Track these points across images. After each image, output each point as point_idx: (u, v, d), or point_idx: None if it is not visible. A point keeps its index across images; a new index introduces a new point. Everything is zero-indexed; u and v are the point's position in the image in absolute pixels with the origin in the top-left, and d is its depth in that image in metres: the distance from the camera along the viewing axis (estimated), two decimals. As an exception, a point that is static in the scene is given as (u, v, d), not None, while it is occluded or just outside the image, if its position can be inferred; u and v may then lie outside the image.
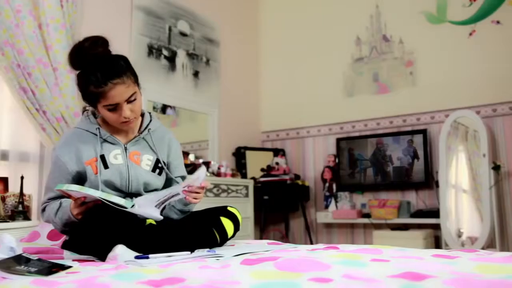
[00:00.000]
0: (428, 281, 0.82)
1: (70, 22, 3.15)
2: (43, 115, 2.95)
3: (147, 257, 1.22)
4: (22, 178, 2.57)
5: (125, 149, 1.74)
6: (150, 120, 1.82)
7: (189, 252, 1.31)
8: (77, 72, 1.67)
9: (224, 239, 1.68)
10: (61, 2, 3.07)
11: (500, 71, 3.82)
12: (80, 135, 1.73)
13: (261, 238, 4.32)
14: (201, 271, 0.92)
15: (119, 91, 1.60)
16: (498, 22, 3.87)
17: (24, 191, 2.62)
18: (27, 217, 2.59)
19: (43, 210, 1.68)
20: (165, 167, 1.79)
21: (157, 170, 1.76)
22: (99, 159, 1.67)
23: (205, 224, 1.65)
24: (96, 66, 1.60)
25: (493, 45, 3.88)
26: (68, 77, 3.06)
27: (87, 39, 1.65)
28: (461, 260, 1.07)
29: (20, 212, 2.53)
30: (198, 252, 1.36)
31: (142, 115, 1.81)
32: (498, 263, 1.00)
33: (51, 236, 2.00)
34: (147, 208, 1.51)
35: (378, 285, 0.79)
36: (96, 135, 1.71)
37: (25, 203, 2.60)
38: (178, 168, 1.86)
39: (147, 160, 1.75)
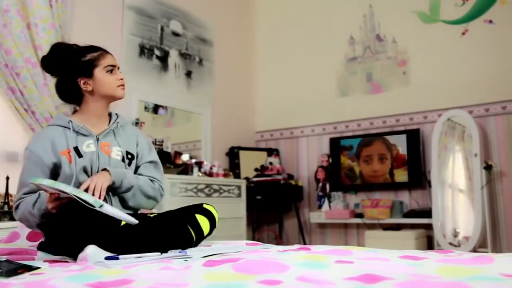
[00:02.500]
0: (382, 283, 0.81)
1: (60, 22, 3.14)
2: (31, 115, 2.94)
3: (117, 258, 1.21)
4: (7, 178, 2.57)
5: (97, 139, 1.79)
6: (117, 117, 1.91)
7: (159, 253, 1.30)
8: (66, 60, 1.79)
9: (200, 237, 1.68)
10: (50, 2, 3.07)
11: (492, 70, 3.81)
12: (53, 129, 1.79)
13: (253, 238, 4.31)
14: (160, 272, 0.91)
15: (112, 57, 1.85)
16: (490, 21, 3.85)
17: (10, 191, 2.62)
18: (13, 218, 2.59)
19: (17, 207, 1.68)
20: (135, 159, 1.87)
21: (127, 161, 1.83)
22: (72, 150, 1.73)
23: (180, 223, 1.65)
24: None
25: (486, 44, 3.86)
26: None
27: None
28: (427, 261, 1.06)
29: (6, 212, 2.53)
30: (169, 253, 1.35)
31: (110, 114, 1.91)
32: (463, 265, 0.99)
33: (30, 237, 2.00)
34: (118, 211, 1.49)
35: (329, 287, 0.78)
36: (69, 128, 1.77)
37: (11, 203, 2.59)
38: (144, 156, 1.92)
39: (117, 151, 1.82)
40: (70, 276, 0.89)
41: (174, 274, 0.87)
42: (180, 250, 1.38)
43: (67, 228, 1.47)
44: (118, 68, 1.86)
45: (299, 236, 4.51)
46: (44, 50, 3.03)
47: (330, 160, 4.43)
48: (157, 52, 3.97)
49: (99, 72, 1.78)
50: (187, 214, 1.72)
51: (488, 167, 3.54)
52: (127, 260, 1.17)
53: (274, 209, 4.57)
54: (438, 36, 4.08)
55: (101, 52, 1.82)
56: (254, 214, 4.29)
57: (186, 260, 1.22)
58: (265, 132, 4.97)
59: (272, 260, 0.97)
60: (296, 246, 1.47)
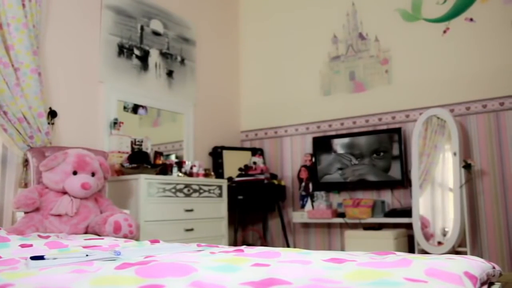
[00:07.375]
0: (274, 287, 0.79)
1: (34, 21, 3.13)
2: (4, 115, 2.93)
3: (42, 258, 1.18)
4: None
5: None
6: None
7: (85, 254, 1.27)
8: None
9: None
10: (23, 2, 3.04)
11: (473, 69, 3.78)
12: None
13: (235, 238, 4.30)
14: (62, 276, 0.89)
15: None
16: (471, 19, 3.82)
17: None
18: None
19: None
20: None
21: None
22: None
23: None
24: None
25: (467, 42, 3.83)
26: (31, 77, 3.05)
27: None
28: (348, 264, 1.04)
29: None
30: (106, 254, 1.32)
31: None
32: (377, 268, 0.97)
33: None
34: None
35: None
36: None
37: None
38: None
39: None
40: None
41: (68, 278, 0.85)
42: (115, 251, 1.35)
43: None
44: None
45: (283, 236, 4.49)
46: (17, 50, 3.02)
47: (313, 160, 4.40)
48: (136, 52, 3.96)
49: None
50: None
51: (467, 166, 3.51)
52: (51, 261, 1.15)
53: (257, 209, 4.55)
54: (420, 35, 4.05)
55: None
56: (236, 214, 4.27)
57: (114, 261, 1.19)
58: (249, 132, 4.95)
59: (183, 264, 0.95)
60: (233, 247, 1.46)
